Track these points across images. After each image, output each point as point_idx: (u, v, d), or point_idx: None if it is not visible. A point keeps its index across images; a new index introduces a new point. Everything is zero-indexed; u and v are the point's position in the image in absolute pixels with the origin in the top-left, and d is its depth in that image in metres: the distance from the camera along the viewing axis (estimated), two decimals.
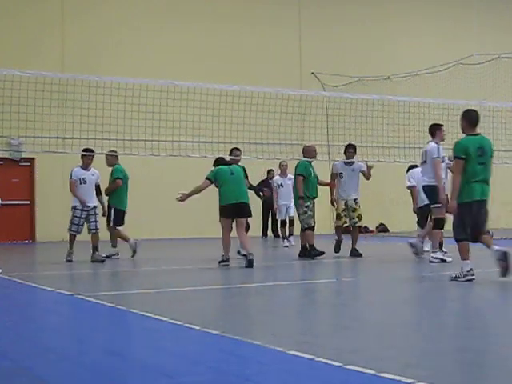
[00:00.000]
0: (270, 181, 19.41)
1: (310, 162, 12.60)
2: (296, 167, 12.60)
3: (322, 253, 12.17)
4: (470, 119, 8.52)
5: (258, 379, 3.91)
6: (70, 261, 11.96)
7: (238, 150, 12.69)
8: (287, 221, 16.43)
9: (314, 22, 23.54)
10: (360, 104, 17.41)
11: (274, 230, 20.59)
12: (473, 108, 9.08)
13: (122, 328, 5.79)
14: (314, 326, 5.70)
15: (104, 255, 12.45)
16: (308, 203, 12.36)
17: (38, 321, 6.34)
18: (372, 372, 3.89)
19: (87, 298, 7.22)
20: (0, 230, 19.03)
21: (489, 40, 24.02)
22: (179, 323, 5.58)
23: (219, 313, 6.54)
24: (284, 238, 16.40)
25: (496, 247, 8.30)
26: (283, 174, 16.28)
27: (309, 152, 12.70)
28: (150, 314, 6.05)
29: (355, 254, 12.30)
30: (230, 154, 12.27)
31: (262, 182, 19.26)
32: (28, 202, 19.93)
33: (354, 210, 12.53)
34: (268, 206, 19.50)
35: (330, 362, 4.16)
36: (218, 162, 11.41)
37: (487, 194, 8.44)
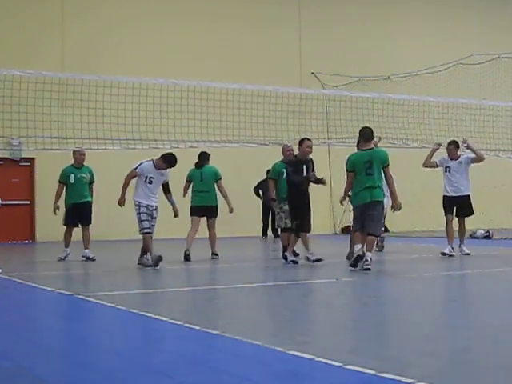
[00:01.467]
0: None
1: (284, 162, 12.43)
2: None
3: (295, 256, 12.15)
4: (364, 136, 10.01)
5: (258, 379, 3.91)
6: (151, 266, 10.65)
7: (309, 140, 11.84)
8: None
9: (314, 22, 23.54)
10: (360, 103, 17.43)
11: (274, 230, 20.60)
12: (367, 126, 10.50)
13: (121, 328, 5.79)
14: (314, 326, 5.70)
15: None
16: (281, 205, 12.37)
17: (38, 321, 6.34)
18: (372, 372, 3.89)
19: (87, 298, 7.21)
20: (0, 229, 19.02)
21: (489, 40, 24.01)
22: (179, 323, 5.58)
23: (219, 313, 6.54)
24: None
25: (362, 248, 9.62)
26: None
27: (283, 152, 12.70)
28: (150, 314, 6.05)
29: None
30: (300, 145, 11.39)
31: (262, 182, 19.23)
32: (28, 202, 19.93)
33: None
34: (268, 207, 19.49)
35: (330, 361, 4.16)
36: (200, 157, 12.64)
37: (376, 196, 9.79)
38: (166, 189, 11.14)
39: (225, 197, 12.34)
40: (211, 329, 5.26)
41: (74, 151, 12.87)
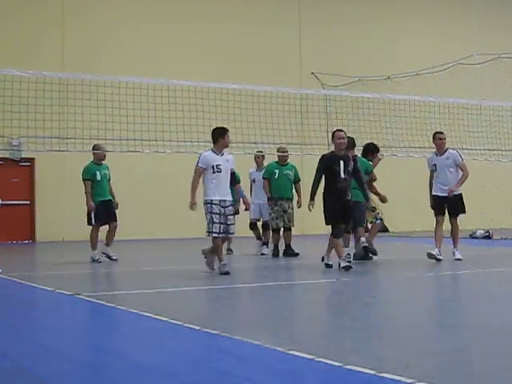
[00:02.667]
0: None
1: (278, 163, 12.97)
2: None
3: (277, 255, 12.72)
4: (348, 145, 10.56)
5: (258, 379, 3.91)
6: (227, 273, 9.49)
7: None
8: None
9: (314, 22, 23.54)
10: (360, 103, 17.44)
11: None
12: (350, 136, 10.96)
13: (121, 328, 5.79)
14: (314, 326, 5.70)
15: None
16: (273, 205, 12.68)
17: (38, 321, 6.35)
18: (372, 372, 3.89)
19: (87, 298, 7.22)
20: (0, 229, 19.02)
21: (489, 40, 24.02)
22: (179, 323, 5.58)
23: (219, 313, 6.54)
24: (264, 243, 13.46)
25: (363, 239, 10.72)
26: (259, 167, 13.64)
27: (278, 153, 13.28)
28: (149, 314, 6.05)
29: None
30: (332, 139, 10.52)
31: None
32: (28, 202, 19.92)
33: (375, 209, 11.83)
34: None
35: (329, 361, 4.16)
36: None
37: (356, 196, 10.46)
38: (232, 179, 9.99)
39: (242, 197, 12.48)
40: (211, 329, 5.26)
41: (94, 147, 12.35)
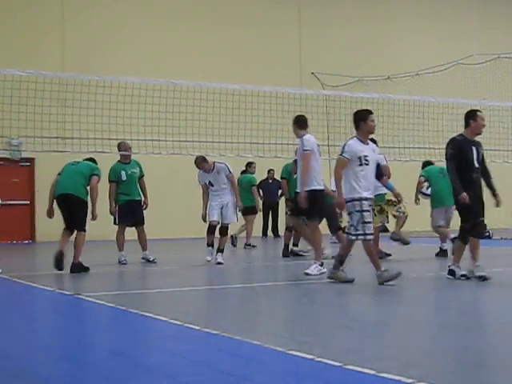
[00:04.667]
0: (270, 180, 19.46)
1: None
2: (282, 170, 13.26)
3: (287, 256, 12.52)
4: None
5: (258, 379, 3.91)
6: (391, 279, 8.17)
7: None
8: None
9: (314, 22, 23.54)
10: (360, 103, 17.42)
11: (274, 230, 20.64)
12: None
13: (122, 328, 5.79)
14: (314, 326, 5.69)
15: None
16: (292, 206, 12.55)
17: (38, 321, 6.34)
18: (372, 372, 3.89)
19: (87, 298, 7.22)
20: (0, 229, 19.02)
21: (489, 40, 24.02)
22: (179, 323, 5.58)
23: (219, 313, 6.54)
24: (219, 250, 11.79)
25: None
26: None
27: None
28: (150, 314, 6.05)
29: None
30: (472, 119, 8.42)
31: (262, 181, 19.27)
32: (28, 202, 19.92)
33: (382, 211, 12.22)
34: (268, 206, 19.53)
35: (330, 361, 4.16)
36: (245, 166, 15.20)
37: None
38: (378, 172, 8.49)
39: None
40: (211, 329, 5.26)
41: (119, 145, 11.88)
